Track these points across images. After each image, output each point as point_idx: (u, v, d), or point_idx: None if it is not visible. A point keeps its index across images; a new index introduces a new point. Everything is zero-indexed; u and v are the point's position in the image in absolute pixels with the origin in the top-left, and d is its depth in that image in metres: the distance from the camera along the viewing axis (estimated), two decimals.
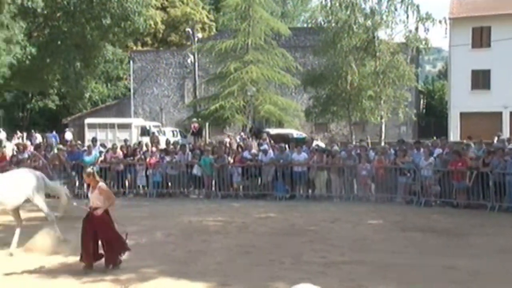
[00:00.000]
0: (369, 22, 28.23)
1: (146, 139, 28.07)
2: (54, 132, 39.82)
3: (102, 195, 9.44)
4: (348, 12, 27.87)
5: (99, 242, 9.47)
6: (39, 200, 11.05)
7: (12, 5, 20.86)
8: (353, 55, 27.92)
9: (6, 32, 20.26)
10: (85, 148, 19.99)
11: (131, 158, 19.16)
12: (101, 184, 9.63)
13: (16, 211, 11.17)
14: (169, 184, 18.67)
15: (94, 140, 21.56)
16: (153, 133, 33.58)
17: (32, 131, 40.74)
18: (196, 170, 18.47)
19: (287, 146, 19.57)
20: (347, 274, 9.22)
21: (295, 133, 29.60)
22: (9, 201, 10.68)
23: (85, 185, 18.48)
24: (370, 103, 28.57)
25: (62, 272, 9.52)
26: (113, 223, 9.60)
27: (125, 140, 23.03)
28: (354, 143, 23.18)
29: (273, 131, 28.91)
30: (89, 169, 9.79)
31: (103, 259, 9.49)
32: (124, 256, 10.53)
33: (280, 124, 32.62)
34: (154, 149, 19.70)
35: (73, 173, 18.61)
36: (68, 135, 38.17)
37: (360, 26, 28.09)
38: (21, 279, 9.20)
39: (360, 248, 11.08)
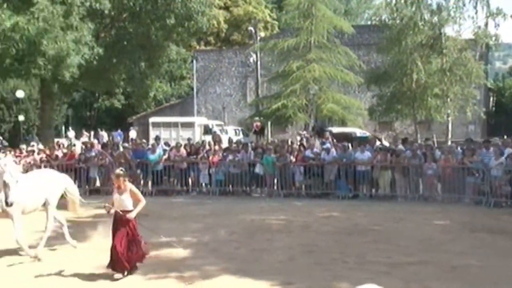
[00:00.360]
0: (435, 19, 27.47)
1: (209, 138, 28.35)
2: (119, 131, 40.95)
3: (134, 197, 9.07)
4: (414, 9, 27.22)
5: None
6: (53, 206, 10.84)
7: (81, 7, 21.45)
8: (418, 52, 27.24)
9: (76, 33, 20.87)
10: (150, 146, 20.36)
11: (194, 156, 19.36)
12: (132, 186, 9.22)
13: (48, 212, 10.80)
14: (232, 182, 18.75)
15: (157, 138, 21.95)
16: (215, 132, 33.89)
17: (99, 129, 42.04)
18: (258, 169, 18.48)
19: (350, 145, 19.28)
20: (413, 274, 8.97)
21: (358, 132, 29.16)
22: (29, 202, 10.32)
23: (149, 183, 18.91)
24: (436, 101, 27.80)
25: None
26: (137, 228, 9.15)
27: (189, 139, 23.32)
28: (419, 141, 22.59)
29: (336, 129, 28.56)
30: (119, 170, 9.29)
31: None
32: (187, 253, 10.67)
33: (343, 123, 32.22)
34: (217, 147, 19.85)
35: (138, 171, 18.99)
36: (132, 134, 39.12)
37: (426, 23, 27.37)
38: (89, 273, 9.42)
39: (426, 249, 10.76)
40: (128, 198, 8.99)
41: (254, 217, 14.40)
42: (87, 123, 49.28)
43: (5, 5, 18.77)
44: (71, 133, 43.35)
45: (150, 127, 37.67)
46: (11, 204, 9.38)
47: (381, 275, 8.77)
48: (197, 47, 48.67)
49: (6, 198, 9.39)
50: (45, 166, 18.28)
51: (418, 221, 13.66)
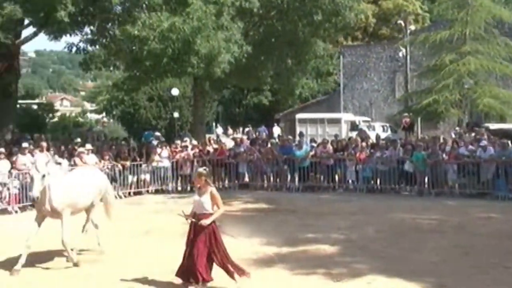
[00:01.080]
0: None
1: (355, 134, 27.92)
2: (263, 127, 41.94)
3: (213, 201, 8.20)
4: None
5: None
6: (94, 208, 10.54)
7: (231, 7, 22.09)
8: None
9: (226, 32, 21.53)
10: (296, 142, 20.48)
11: (341, 153, 19.13)
12: (213, 188, 8.31)
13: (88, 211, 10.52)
14: (379, 179, 18.27)
15: (301, 134, 22.03)
16: (361, 128, 33.31)
17: (249, 126, 43.30)
18: (407, 166, 17.81)
19: (510, 142, 17.87)
20: None
21: None
22: (81, 200, 10.06)
23: (296, 179, 19.01)
24: None
25: (276, 262, 9.78)
26: (220, 237, 8.30)
27: (336, 135, 23.12)
28: None
29: (493, 126, 26.67)
30: (201, 169, 8.63)
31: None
32: (335, 250, 10.52)
33: (501, 119, 30.02)
34: (364, 144, 19.45)
35: (285, 167, 19.16)
36: (276, 130, 39.75)
37: None
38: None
39: None
40: (207, 201, 8.18)
41: (404, 215, 13.88)
42: (235, 120, 50.94)
43: (163, 7, 19.84)
44: (219, 130, 45.12)
45: (297, 124, 37.95)
46: (36, 199, 9.14)
47: None
48: (344, 42, 48.17)
49: (31, 191, 9.30)
50: (197, 161, 19.12)
51: None
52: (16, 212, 15.12)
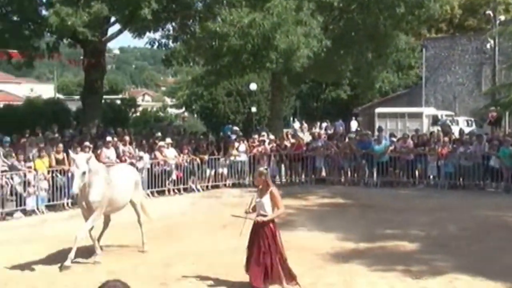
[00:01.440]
0: None
1: (437, 129, 27.07)
2: (340, 121, 41.47)
3: (273, 201, 7.93)
4: None
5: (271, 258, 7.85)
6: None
7: (311, 2, 21.94)
8: None
9: (305, 27, 21.41)
10: (375, 137, 20.09)
11: (422, 148, 18.59)
12: (273, 188, 8.08)
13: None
14: (462, 175, 17.61)
15: (380, 129, 21.60)
16: (445, 121, 32.26)
17: (327, 121, 42.95)
18: (493, 162, 17.06)
19: None
20: None
21: None
22: (119, 198, 9.98)
23: (374, 174, 18.66)
24: None
25: (353, 257, 9.64)
26: (280, 239, 8.04)
27: (416, 130, 22.50)
28: None
29: None
30: (262, 169, 8.51)
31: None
32: (414, 247, 10.24)
33: None
34: (446, 139, 18.81)
35: (363, 162, 18.86)
36: (354, 124, 39.17)
37: None
38: (317, 259, 9.54)
39: None
40: (267, 202, 7.92)
41: (489, 213, 13.32)
42: (313, 114, 50.64)
43: (243, 3, 19.97)
44: (297, 125, 45.04)
45: (376, 118, 37.27)
46: (75, 196, 9.18)
47: None
48: (427, 35, 46.72)
49: (71, 188, 9.22)
50: (274, 156, 19.17)
51: None
52: None
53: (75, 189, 9.02)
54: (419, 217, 12.95)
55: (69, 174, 9.45)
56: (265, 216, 7.89)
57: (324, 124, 42.86)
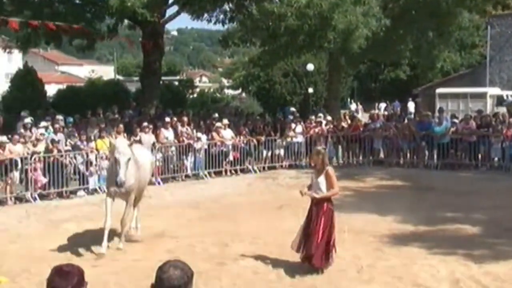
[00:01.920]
0: None
1: (502, 110, 26.13)
2: (396, 102, 40.60)
3: (327, 181, 7.94)
4: None
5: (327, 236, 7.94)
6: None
7: None
8: None
9: (364, 7, 21.00)
10: (436, 118, 19.57)
11: (486, 129, 17.99)
12: (329, 168, 8.09)
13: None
14: None
15: (441, 110, 21.03)
16: (509, 103, 31.09)
17: (386, 101, 42.24)
18: None
19: None
20: None
21: None
22: (144, 180, 9.90)
23: (435, 156, 18.22)
24: None
25: (412, 240, 9.46)
26: (334, 220, 8.06)
27: (479, 111, 21.78)
28: None
29: None
30: (319, 148, 8.62)
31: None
32: (476, 231, 9.96)
33: None
34: (511, 120, 18.12)
35: (423, 143, 18.43)
36: (411, 105, 38.31)
37: None
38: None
39: None
40: (323, 182, 7.93)
41: None
42: (371, 95, 49.83)
43: None
44: (353, 106, 44.47)
45: (436, 98, 36.29)
46: (123, 183, 8.97)
47: None
48: (493, 12, 44.96)
49: (116, 176, 8.96)
50: (331, 137, 18.99)
51: None
52: (159, 183, 15.91)
53: (122, 176, 8.91)
54: (482, 201, 12.57)
55: (112, 160, 9.19)
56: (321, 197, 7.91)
57: (382, 105, 42.17)
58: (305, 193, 8.05)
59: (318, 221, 7.88)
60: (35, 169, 13.85)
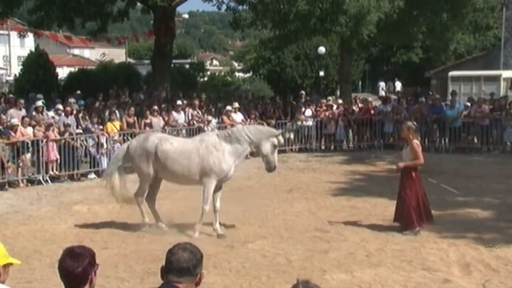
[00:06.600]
0: None
1: None
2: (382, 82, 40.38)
3: (412, 153, 8.87)
4: None
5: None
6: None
7: None
8: None
9: None
10: (448, 101, 19.39)
11: (499, 113, 17.81)
12: (415, 141, 8.97)
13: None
14: None
15: (453, 93, 20.81)
16: None
17: (398, 82, 41.91)
18: None
19: None
20: None
21: None
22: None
23: (446, 140, 18.08)
24: None
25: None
26: (420, 188, 8.98)
27: (492, 94, 21.57)
28: None
29: None
30: (410, 123, 9.35)
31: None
32: (487, 214, 9.91)
33: None
34: None
35: (435, 127, 18.29)
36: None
37: None
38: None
39: None
40: (408, 155, 8.92)
41: None
42: (383, 78, 49.48)
43: None
44: (382, 84, 44.33)
45: (449, 81, 35.93)
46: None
47: None
48: None
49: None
50: (342, 120, 18.89)
51: None
52: None
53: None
54: (494, 184, 12.49)
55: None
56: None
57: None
58: (396, 165, 9.08)
59: (408, 188, 8.79)
60: (48, 149, 13.87)
